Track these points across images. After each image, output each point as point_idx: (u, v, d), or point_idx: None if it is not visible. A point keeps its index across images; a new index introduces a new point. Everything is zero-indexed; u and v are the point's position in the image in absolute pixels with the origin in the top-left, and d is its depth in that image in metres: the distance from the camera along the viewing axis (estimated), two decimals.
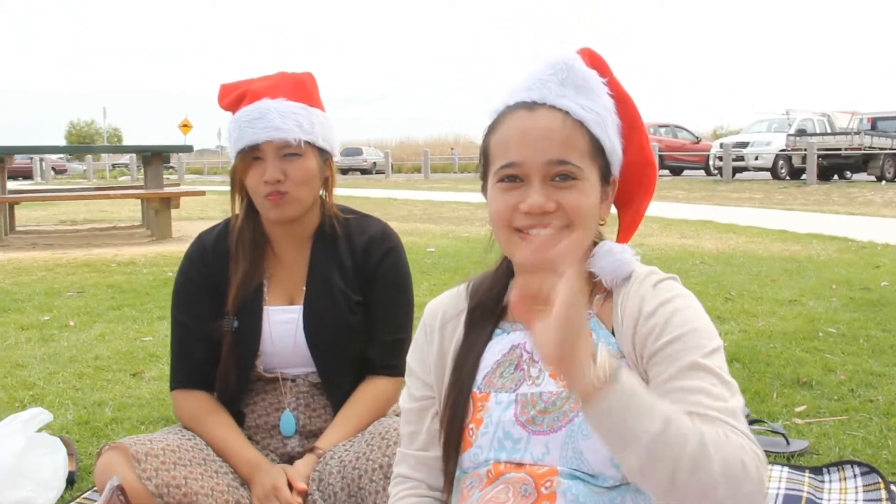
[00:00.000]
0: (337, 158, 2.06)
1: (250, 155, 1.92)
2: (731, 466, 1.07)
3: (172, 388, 2.03)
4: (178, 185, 14.29)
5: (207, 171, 44.09)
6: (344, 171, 35.14)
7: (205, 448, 1.89)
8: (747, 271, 6.45)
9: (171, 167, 37.87)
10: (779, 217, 11.66)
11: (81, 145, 49.96)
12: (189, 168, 42.90)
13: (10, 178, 16.32)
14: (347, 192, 19.49)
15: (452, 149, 46.51)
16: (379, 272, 2.05)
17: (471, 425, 1.33)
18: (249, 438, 1.98)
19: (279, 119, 1.89)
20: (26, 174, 37.50)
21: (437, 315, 1.45)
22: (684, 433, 1.07)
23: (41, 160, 38.16)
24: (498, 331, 1.40)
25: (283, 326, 2.00)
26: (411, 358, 1.48)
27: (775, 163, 23.05)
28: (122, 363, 3.89)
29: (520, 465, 1.27)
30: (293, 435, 2.00)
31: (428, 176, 31.76)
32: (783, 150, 22.52)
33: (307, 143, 1.92)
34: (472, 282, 1.47)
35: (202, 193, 10.35)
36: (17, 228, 10.82)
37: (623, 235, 1.42)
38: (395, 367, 2.07)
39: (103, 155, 43.71)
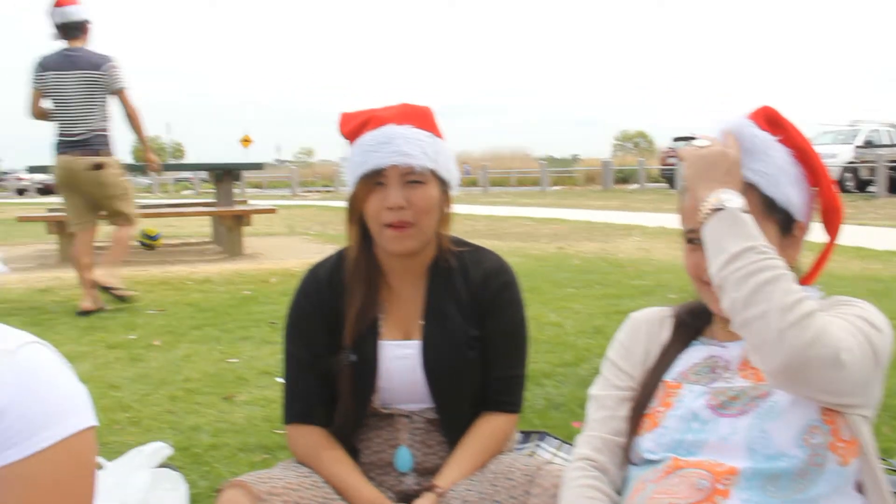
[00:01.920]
0: (455, 191, 2.03)
1: (373, 180, 1.89)
2: (824, 346, 1.23)
3: (287, 421, 2.02)
4: (245, 200, 14.46)
5: (267, 185, 44.70)
6: None
7: (323, 486, 1.88)
8: (831, 293, 6.26)
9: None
10: (852, 232, 11.33)
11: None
12: (248, 182, 43.55)
13: None
14: None
15: (465, 163, 45.75)
16: (496, 306, 2.01)
17: (659, 408, 1.44)
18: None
19: (406, 145, 1.87)
20: None
21: (643, 321, 1.66)
22: (782, 281, 1.26)
23: None
24: (696, 342, 1.56)
25: (400, 362, 1.97)
26: (614, 354, 1.66)
27: (841, 175, 22.52)
28: (211, 385, 3.92)
29: (699, 463, 1.34)
30: (409, 472, 1.98)
31: (487, 190, 31.75)
32: (851, 163, 22.00)
33: (431, 171, 1.90)
34: (677, 306, 1.69)
35: (273, 211, 10.48)
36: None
37: (809, 275, 1.60)
38: (511, 403, 2.04)
39: None
